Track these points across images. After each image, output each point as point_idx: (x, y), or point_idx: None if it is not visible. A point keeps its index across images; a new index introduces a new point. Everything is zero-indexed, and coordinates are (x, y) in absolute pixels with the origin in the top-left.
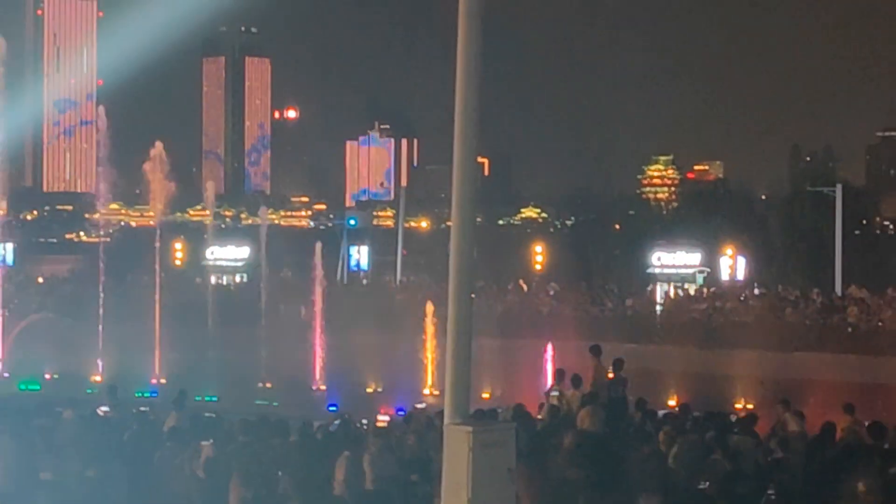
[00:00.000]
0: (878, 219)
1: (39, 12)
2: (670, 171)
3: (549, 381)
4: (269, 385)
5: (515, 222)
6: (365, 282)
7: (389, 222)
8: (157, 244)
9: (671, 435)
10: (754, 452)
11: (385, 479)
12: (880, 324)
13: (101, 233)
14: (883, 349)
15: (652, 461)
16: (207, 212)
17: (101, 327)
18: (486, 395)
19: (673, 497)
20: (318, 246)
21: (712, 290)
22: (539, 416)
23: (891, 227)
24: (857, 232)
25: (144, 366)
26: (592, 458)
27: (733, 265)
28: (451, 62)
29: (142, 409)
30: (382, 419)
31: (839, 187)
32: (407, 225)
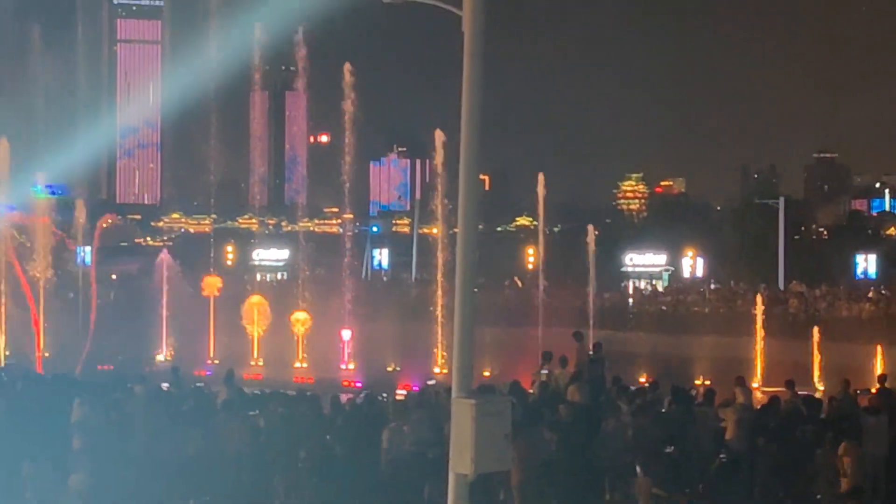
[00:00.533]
0: (814, 226)
1: (111, 51)
2: (641, 186)
3: (538, 360)
4: (304, 364)
5: (511, 229)
6: (385, 279)
7: (406, 229)
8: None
9: (642, 407)
10: (714, 421)
11: (422, 442)
12: (816, 313)
13: (165, 238)
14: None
15: (626, 430)
16: (254, 220)
17: (164, 316)
18: (486, 374)
19: (643, 459)
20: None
21: (676, 285)
22: (531, 391)
23: (825, 233)
24: (796, 237)
25: (200, 349)
26: (578, 426)
27: (693, 265)
28: (458, 95)
29: (198, 384)
30: (401, 393)
31: (782, 200)
32: (421, 231)
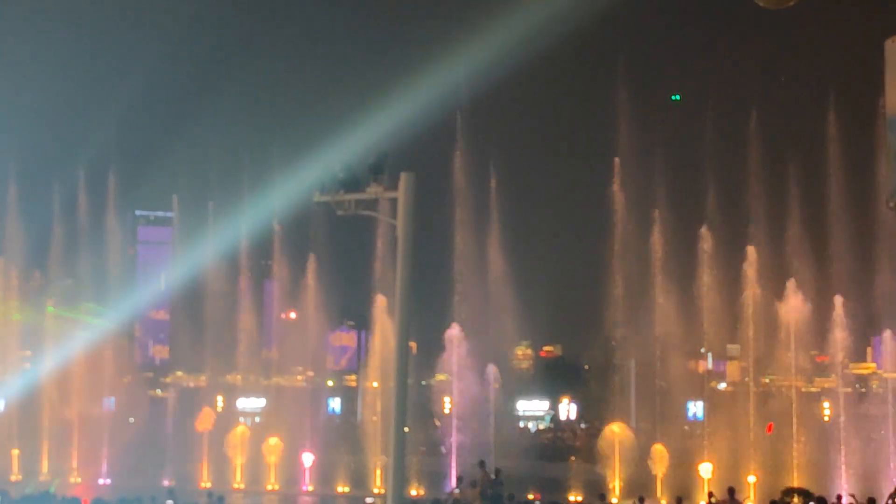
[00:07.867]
0: (658, 381)
1: (131, 251)
2: (528, 351)
3: (453, 483)
4: (275, 489)
5: (432, 383)
6: (338, 422)
7: (353, 383)
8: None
9: None
10: None
11: None
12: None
13: (171, 391)
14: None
15: None
16: (239, 376)
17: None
18: (414, 494)
19: None
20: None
21: (555, 425)
22: None
23: (665, 386)
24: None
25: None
26: None
27: (569, 409)
28: (391, 283)
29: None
30: None
31: (632, 361)
32: (365, 384)
